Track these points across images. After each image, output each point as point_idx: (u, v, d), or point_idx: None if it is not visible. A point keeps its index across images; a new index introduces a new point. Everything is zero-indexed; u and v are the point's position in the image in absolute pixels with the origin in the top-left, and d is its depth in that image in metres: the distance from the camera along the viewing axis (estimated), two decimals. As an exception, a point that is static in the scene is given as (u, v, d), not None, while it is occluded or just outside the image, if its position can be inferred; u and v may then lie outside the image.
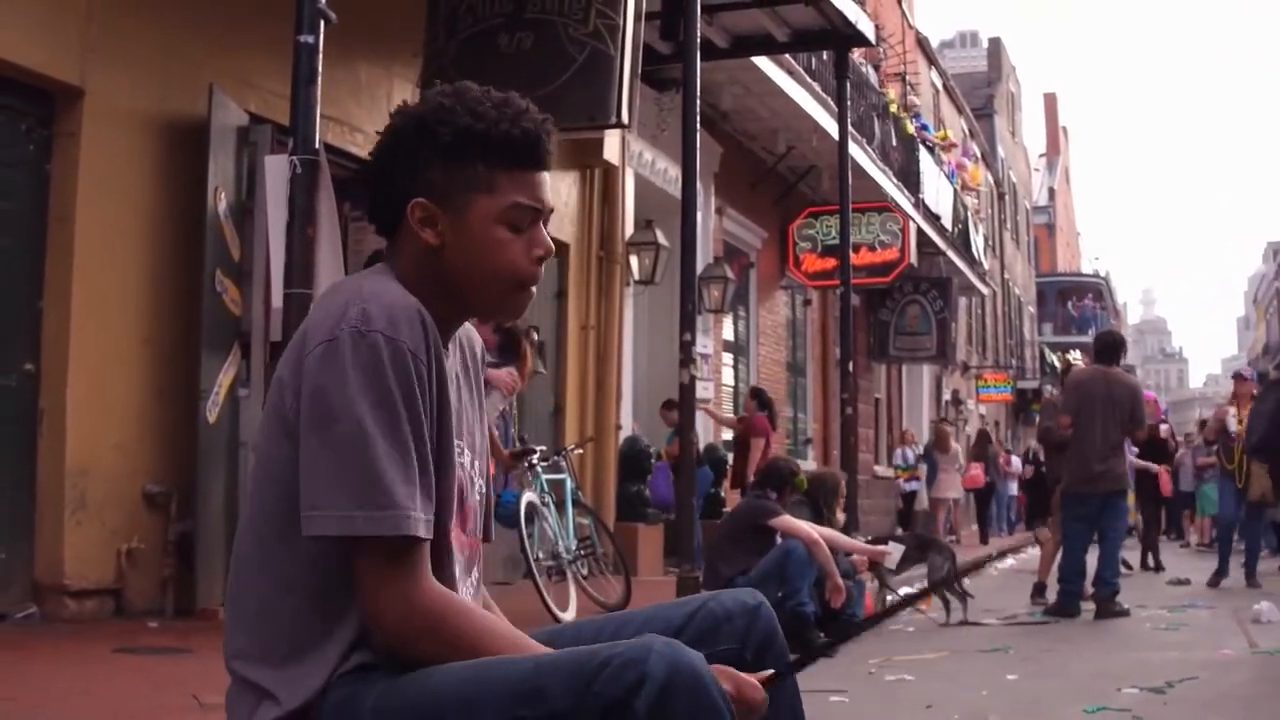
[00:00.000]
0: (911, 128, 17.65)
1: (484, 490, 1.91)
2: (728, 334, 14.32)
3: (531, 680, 1.54)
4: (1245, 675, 5.77)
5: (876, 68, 17.70)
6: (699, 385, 12.57)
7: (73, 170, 6.19)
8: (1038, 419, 12.61)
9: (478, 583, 1.87)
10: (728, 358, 14.43)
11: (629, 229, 11.29)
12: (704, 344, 12.85)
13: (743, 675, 1.65)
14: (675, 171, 9.83)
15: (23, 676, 4.38)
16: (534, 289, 1.81)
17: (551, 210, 1.82)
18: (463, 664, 1.59)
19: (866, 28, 10.19)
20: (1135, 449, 12.83)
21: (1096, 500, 8.65)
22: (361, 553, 1.60)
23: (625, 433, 11.09)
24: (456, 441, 1.78)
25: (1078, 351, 33.01)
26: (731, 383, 14.60)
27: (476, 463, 1.87)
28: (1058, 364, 31.41)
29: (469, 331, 1.92)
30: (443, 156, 1.72)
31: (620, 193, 11.09)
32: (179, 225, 6.65)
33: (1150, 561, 13.75)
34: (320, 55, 4.30)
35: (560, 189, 10.49)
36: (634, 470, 10.88)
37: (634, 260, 11.31)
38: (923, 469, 19.18)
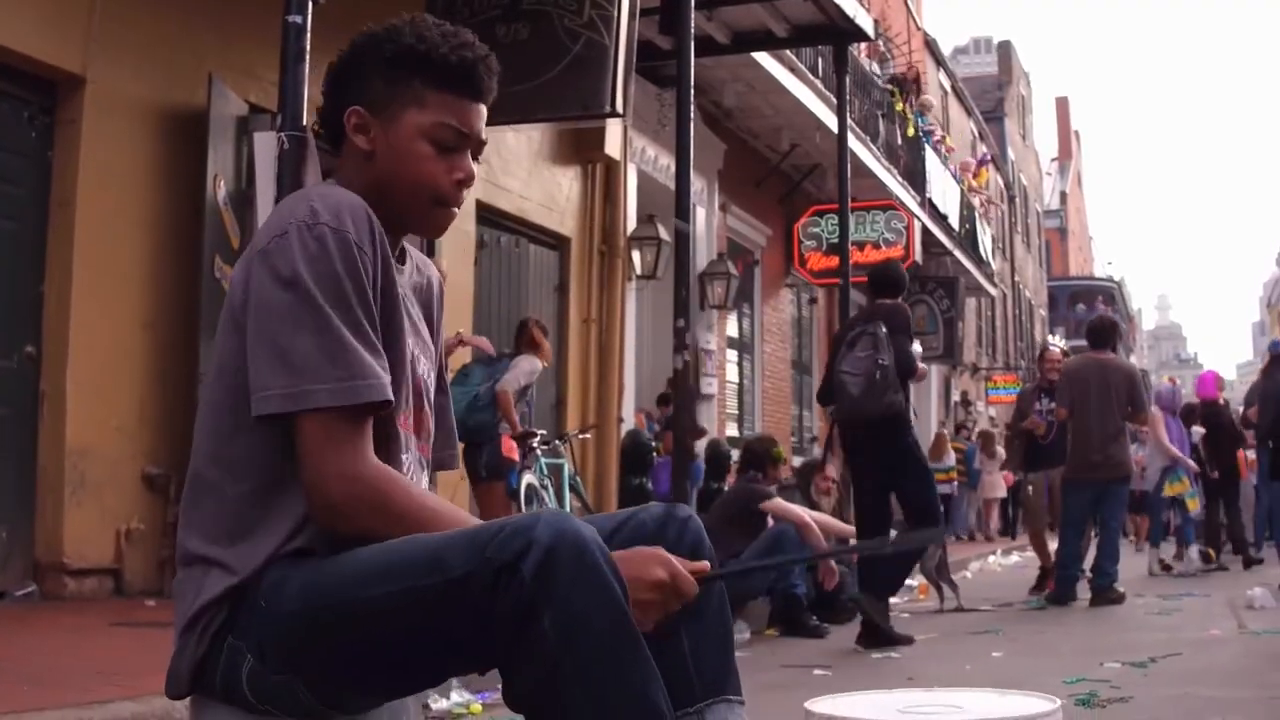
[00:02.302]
0: (912, 128, 17.65)
1: (435, 406, 1.99)
2: (732, 331, 14.38)
3: (435, 551, 1.62)
4: (1230, 652, 5.80)
5: (883, 63, 17.75)
6: (703, 381, 12.70)
7: (74, 157, 6.31)
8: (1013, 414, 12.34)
9: (428, 484, 1.95)
10: (732, 354, 14.49)
11: (631, 223, 11.37)
12: (707, 340, 12.92)
13: (679, 564, 1.70)
14: (678, 167, 9.90)
15: (16, 643, 4.49)
16: (454, 210, 1.90)
17: (482, 141, 1.90)
18: (382, 543, 1.67)
19: (865, 22, 10.25)
20: (1202, 430, 12.14)
21: (1096, 488, 8.61)
22: (306, 425, 1.68)
23: (627, 425, 11.17)
24: (416, 351, 1.89)
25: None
26: (736, 379, 14.66)
27: (431, 374, 1.97)
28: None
29: (429, 265, 2.03)
30: (383, 70, 1.85)
31: (622, 187, 11.18)
32: (179, 212, 6.76)
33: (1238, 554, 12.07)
34: (308, 35, 4.38)
35: (562, 183, 10.59)
36: (636, 464, 10.94)
37: (636, 255, 11.39)
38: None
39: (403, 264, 1.92)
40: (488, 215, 9.70)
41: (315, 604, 1.66)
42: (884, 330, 6.41)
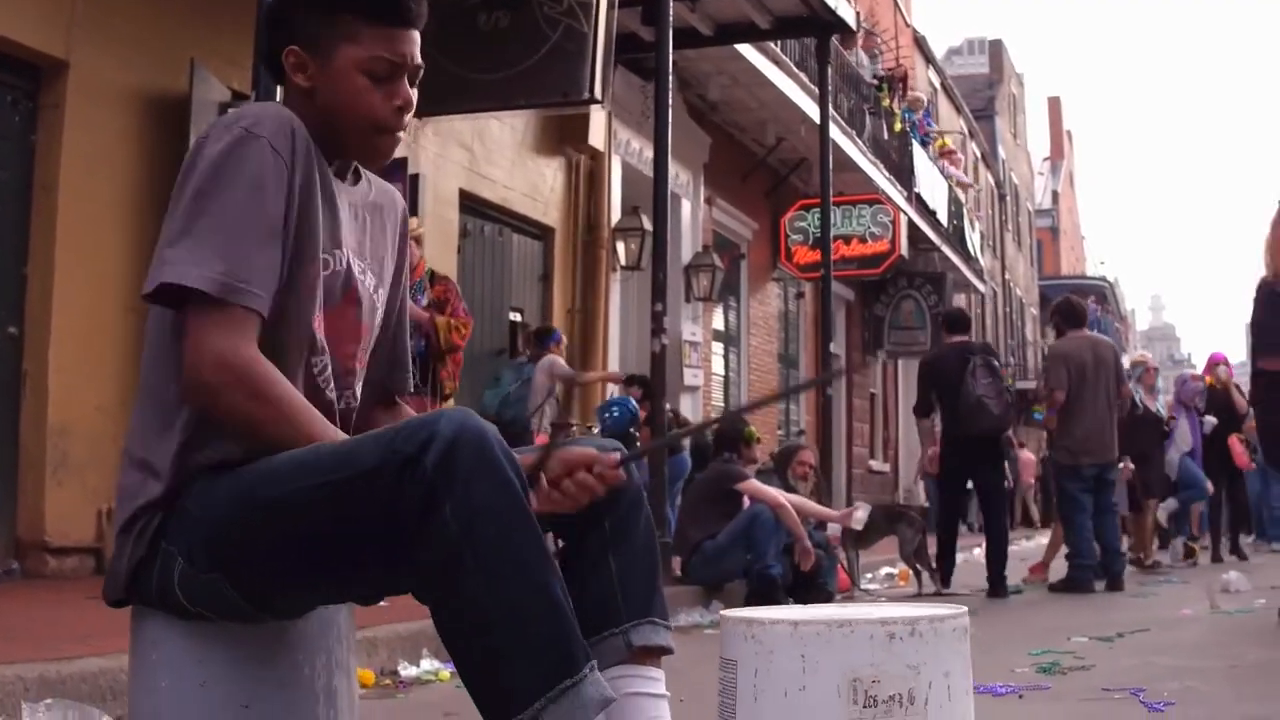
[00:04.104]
0: (900, 124, 17.70)
1: (383, 323, 2.07)
2: (718, 324, 14.44)
3: (349, 448, 1.71)
4: (1199, 629, 5.88)
5: (873, 58, 17.80)
6: (688, 372, 12.77)
7: (57, 141, 6.38)
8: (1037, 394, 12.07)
9: (356, 395, 2.03)
10: (718, 347, 14.55)
11: (615, 214, 11.43)
12: (693, 332, 12.98)
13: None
14: (660, 157, 9.96)
15: (-5, 613, 4.55)
16: (398, 136, 1.98)
17: (418, 67, 1.96)
18: (299, 449, 1.74)
19: (846, 14, 10.34)
20: (1214, 420, 11.64)
21: (1095, 471, 8.49)
22: (191, 308, 1.75)
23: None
24: (358, 261, 1.97)
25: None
26: (722, 372, 14.72)
27: (380, 291, 2.04)
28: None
29: (393, 194, 2.12)
30: (317, 9, 1.92)
31: (606, 178, 11.25)
32: (161, 196, 6.70)
33: (1224, 550, 11.69)
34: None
35: (546, 173, 10.66)
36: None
37: (620, 246, 11.45)
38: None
39: (353, 181, 2.01)
40: (471, 204, 9.76)
41: (238, 503, 1.74)
42: (997, 362, 8.39)
